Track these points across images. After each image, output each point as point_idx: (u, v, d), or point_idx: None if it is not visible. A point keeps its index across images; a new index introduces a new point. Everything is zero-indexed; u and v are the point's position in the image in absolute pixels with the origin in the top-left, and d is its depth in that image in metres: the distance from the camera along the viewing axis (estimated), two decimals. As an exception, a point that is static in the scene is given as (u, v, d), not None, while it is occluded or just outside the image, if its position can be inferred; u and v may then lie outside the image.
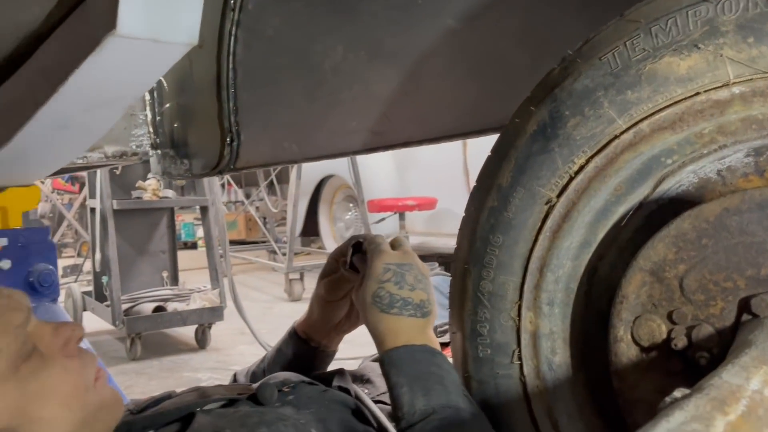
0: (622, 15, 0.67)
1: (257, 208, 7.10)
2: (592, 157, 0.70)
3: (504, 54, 1.00)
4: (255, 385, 0.81)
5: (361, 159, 4.60)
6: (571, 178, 0.71)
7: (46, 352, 0.60)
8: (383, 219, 4.28)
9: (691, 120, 0.65)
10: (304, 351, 0.96)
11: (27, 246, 1.18)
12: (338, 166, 4.92)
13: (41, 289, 1.18)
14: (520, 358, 0.77)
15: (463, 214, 0.83)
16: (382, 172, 4.68)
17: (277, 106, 1.29)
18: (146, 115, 1.33)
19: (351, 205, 5.44)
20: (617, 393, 0.71)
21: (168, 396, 0.81)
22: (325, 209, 5.64)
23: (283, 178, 6.56)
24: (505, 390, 0.78)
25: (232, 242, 6.68)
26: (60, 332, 0.62)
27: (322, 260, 4.28)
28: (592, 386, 0.77)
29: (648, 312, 0.69)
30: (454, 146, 3.91)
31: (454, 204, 4.12)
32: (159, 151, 1.36)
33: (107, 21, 0.81)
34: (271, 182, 5.75)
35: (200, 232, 8.29)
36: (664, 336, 0.67)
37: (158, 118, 1.35)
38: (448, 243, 4.34)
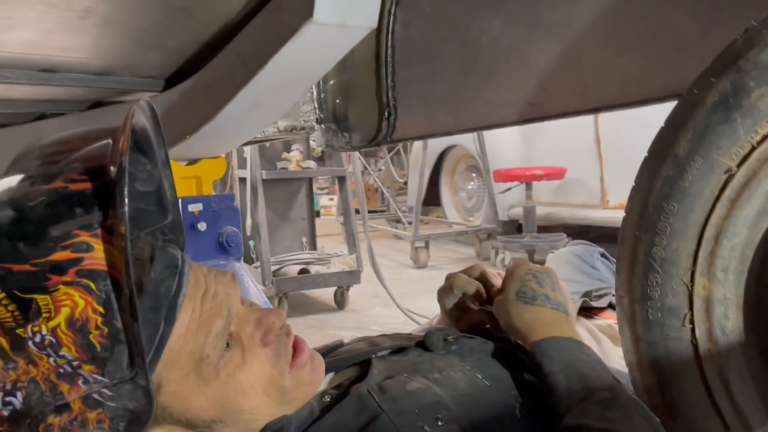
0: (816, -17, 0.67)
1: (376, 178, 7.29)
2: (777, 128, 0.71)
3: (672, 22, 1.00)
4: (421, 332, 0.87)
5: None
6: (753, 148, 0.73)
7: (246, 344, 0.65)
8: (509, 189, 4.27)
9: None
10: None
11: (217, 211, 1.34)
12: (461, 136, 4.95)
13: (229, 249, 1.34)
14: (692, 322, 0.80)
15: (633, 184, 0.86)
16: (507, 141, 4.65)
17: (433, 81, 1.36)
18: (312, 93, 1.45)
19: (474, 175, 5.46)
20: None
21: (340, 344, 0.86)
22: (447, 179, 5.70)
23: (407, 149, 6.67)
24: (675, 351, 0.81)
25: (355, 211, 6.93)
26: (262, 323, 0.66)
27: (444, 229, 4.33)
28: (764, 349, 0.79)
29: (829, 278, 0.70)
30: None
31: (584, 174, 4.03)
32: (323, 126, 1.48)
33: (305, 10, 0.91)
34: (397, 152, 5.86)
35: (323, 201, 8.65)
36: None
37: (322, 95, 1.47)
38: (576, 214, 4.27)
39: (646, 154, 0.84)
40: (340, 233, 5.36)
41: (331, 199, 7.41)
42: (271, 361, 0.67)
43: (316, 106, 1.46)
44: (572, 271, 1.52)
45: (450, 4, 1.28)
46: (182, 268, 0.60)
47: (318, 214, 8.69)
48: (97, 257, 0.52)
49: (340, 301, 3.11)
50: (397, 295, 2.97)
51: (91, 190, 0.53)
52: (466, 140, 4.88)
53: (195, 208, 1.29)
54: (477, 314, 0.92)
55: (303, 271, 2.94)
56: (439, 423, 0.64)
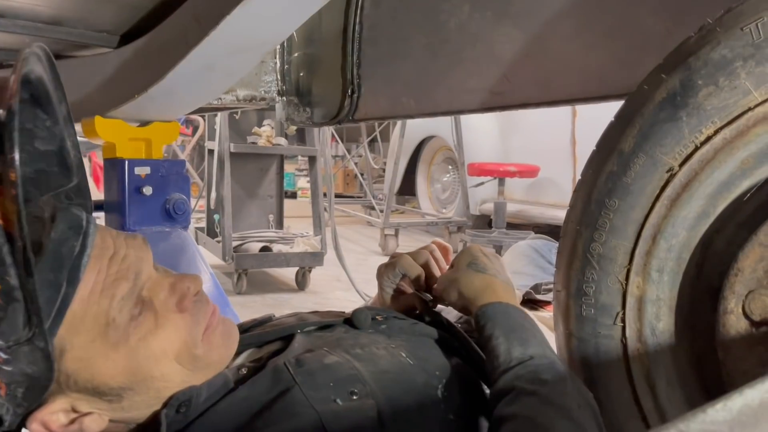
0: (771, -15, 0.66)
1: (356, 163, 7.25)
2: (721, 128, 0.70)
3: (638, 20, 0.99)
4: (350, 311, 0.86)
5: (464, 121, 4.58)
6: (697, 148, 0.72)
7: (159, 311, 0.62)
8: (482, 183, 4.27)
9: (834, 97, 0.63)
10: None
11: (166, 176, 1.31)
12: (440, 127, 4.93)
13: (176, 216, 1.31)
14: (623, 321, 0.79)
15: (579, 178, 0.85)
16: (485, 135, 4.65)
17: (399, 62, 1.33)
18: (275, 63, 1.42)
19: (450, 167, 5.45)
20: (721, 364, 0.72)
21: (269, 319, 0.85)
22: (423, 170, 5.69)
23: (384, 136, 6.64)
24: (605, 350, 0.80)
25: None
26: (177, 289, 0.64)
27: (417, 219, 4.33)
28: (693, 355, 0.78)
29: (763, 287, 0.69)
30: (562, 114, 3.82)
31: (558, 174, 4.05)
32: (284, 98, 1.45)
33: (260, -29, 0.88)
34: (374, 139, 5.84)
35: (300, 182, 8.59)
36: (778, 312, 0.67)
37: (286, 66, 1.44)
38: (546, 213, 4.29)
39: (594, 148, 0.83)
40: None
41: (309, 181, 7.36)
42: (187, 328, 0.64)
43: (278, 77, 1.42)
44: (527, 264, 1.52)
45: (420, -16, 1.25)
46: (87, 229, 0.57)
47: (295, 195, 8.66)
48: None
49: (301, 282, 3.08)
50: (361, 280, 2.95)
51: None
52: (445, 132, 4.87)
53: (142, 171, 1.25)
54: (411, 298, 0.91)
55: (265, 249, 2.91)
56: (354, 397, 0.63)
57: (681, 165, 0.73)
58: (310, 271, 3.07)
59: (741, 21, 0.67)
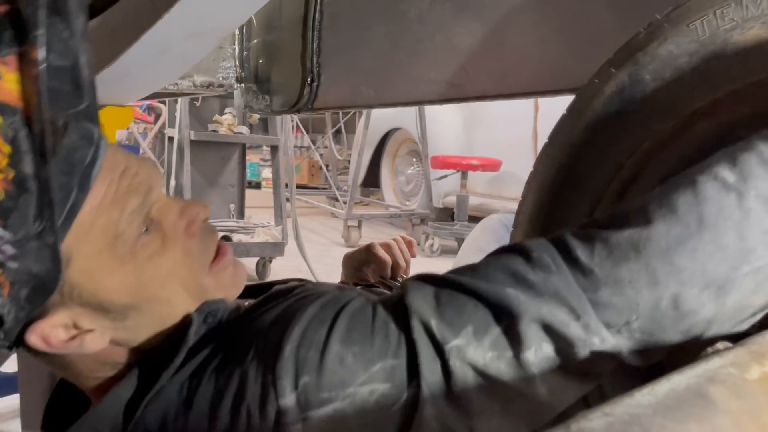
0: (716, -17, 0.68)
1: (321, 155, 7.22)
2: (668, 123, 0.71)
3: (593, 15, 1.00)
4: None
5: (428, 114, 4.60)
6: (642, 143, 0.73)
7: (168, 233, 0.60)
8: (445, 176, 4.30)
9: (774, 95, 0.65)
10: None
11: (120, 161, 1.27)
12: (405, 119, 4.94)
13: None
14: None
15: (531, 169, 0.86)
16: (449, 128, 4.67)
17: (359, 51, 1.33)
18: (234, 49, 1.40)
19: (414, 159, 5.47)
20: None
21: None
22: (388, 162, 5.70)
23: (349, 128, 6.62)
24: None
25: (296, 186, 6.86)
26: (186, 214, 0.62)
27: (381, 211, 4.34)
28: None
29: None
30: (524, 109, 3.86)
31: (520, 168, 4.10)
32: (243, 85, 1.43)
33: (214, -47, 0.86)
34: (338, 130, 5.82)
35: (265, 173, 8.50)
36: None
37: (245, 53, 1.42)
38: (508, 206, 4.34)
39: (546, 140, 0.84)
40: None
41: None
42: (195, 254, 0.62)
43: (237, 64, 1.41)
44: (492, 241, 1.52)
45: (380, -27, 1.25)
46: (99, 142, 0.53)
47: (259, 186, 8.56)
48: (5, 88, 0.46)
49: (262, 272, 3.06)
50: (323, 271, 2.95)
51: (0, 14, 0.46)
52: (409, 124, 4.88)
53: (93, 155, 1.22)
54: (375, 288, 0.92)
55: (225, 238, 2.87)
56: None
57: (628, 158, 0.74)
58: (270, 262, 3.05)
59: (687, 18, 0.68)
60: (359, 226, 4.41)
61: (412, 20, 1.22)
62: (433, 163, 4.21)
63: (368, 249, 0.98)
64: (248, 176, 8.15)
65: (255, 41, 1.41)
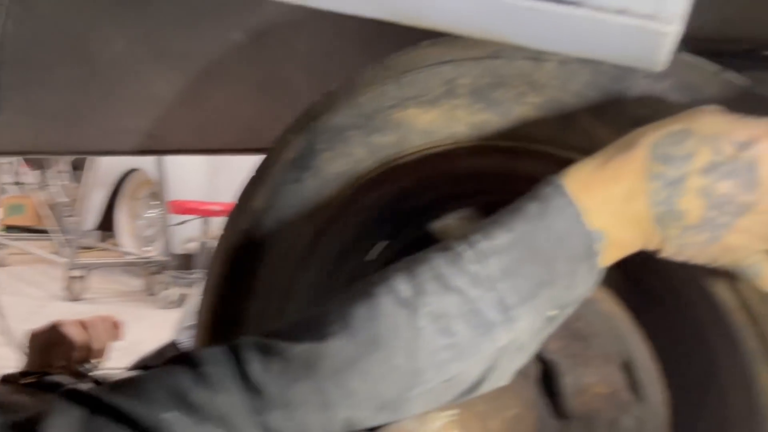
0: (382, 61, 0.70)
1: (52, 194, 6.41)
2: (341, 192, 0.71)
3: (288, 77, 1.00)
4: None
5: (170, 157, 4.37)
6: (320, 211, 0.72)
7: None
8: (184, 222, 4.09)
9: (430, 170, 0.69)
10: None
11: None
12: (144, 160, 4.63)
13: None
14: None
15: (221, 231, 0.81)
16: (191, 172, 4.48)
17: (44, 92, 1.17)
18: None
19: (154, 203, 5.14)
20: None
21: None
22: (125, 204, 5.27)
23: (81, 164, 6.01)
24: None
25: (18, 228, 5.98)
26: None
27: (111, 257, 3.94)
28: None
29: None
30: (267, 156, 3.85)
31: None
32: None
33: None
34: (77, 166, 5.23)
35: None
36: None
37: None
38: (253, 253, 4.27)
39: (235, 202, 0.80)
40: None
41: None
42: None
43: None
44: None
45: (68, 8, 1.12)
46: None
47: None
48: None
49: (-53, 339, 2.54)
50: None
51: None
52: (149, 166, 4.58)
53: None
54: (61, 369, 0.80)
55: None
56: None
57: (309, 226, 0.73)
58: (-40, 326, 2.55)
59: (357, 92, 0.70)
60: (85, 277, 3.96)
61: (104, 63, 1.11)
62: (173, 208, 3.98)
63: (54, 327, 0.88)
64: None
65: None
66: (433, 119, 0.65)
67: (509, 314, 0.46)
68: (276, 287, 0.75)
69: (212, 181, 4.48)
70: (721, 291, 0.54)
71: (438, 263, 0.47)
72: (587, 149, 0.50)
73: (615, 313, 0.61)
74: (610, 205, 0.46)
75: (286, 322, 0.52)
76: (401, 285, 0.47)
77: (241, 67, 1.02)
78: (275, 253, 0.74)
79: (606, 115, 0.56)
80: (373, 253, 0.81)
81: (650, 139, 0.46)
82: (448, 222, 0.80)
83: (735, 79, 0.54)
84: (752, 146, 0.43)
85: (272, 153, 0.75)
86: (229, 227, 0.78)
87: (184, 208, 3.88)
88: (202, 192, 4.42)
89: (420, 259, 0.48)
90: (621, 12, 0.42)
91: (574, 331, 0.61)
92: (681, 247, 0.46)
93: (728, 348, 0.56)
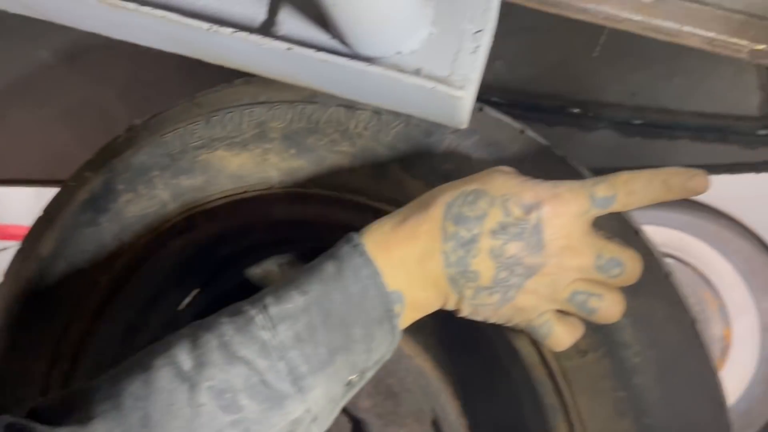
0: (192, 97, 0.65)
1: None
2: (143, 238, 0.65)
3: (104, 104, 0.91)
4: None
5: None
6: (119, 258, 0.65)
7: None
8: (4, 249, 3.68)
9: (241, 215, 0.65)
10: None
11: None
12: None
13: None
14: None
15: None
16: (15, 192, 4.06)
17: None
18: None
19: None
20: None
21: None
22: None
23: None
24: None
25: None
26: None
27: None
28: None
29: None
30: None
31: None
32: None
33: None
34: None
35: None
36: None
37: None
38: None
39: (17, 249, 0.70)
40: None
41: None
42: None
43: None
44: None
45: None
46: None
47: None
48: None
49: None
50: None
51: None
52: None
53: None
54: None
55: None
56: None
57: (104, 275, 0.65)
58: None
59: (162, 128, 0.64)
60: None
61: None
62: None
63: None
64: None
65: None
66: (243, 162, 0.61)
67: (301, 384, 0.42)
68: (65, 345, 0.66)
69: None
70: (524, 347, 0.55)
71: (226, 330, 0.42)
72: (401, 201, 0.48)
73: (426, 369, 0.60)
74: (406, 265, 0.44)
75: (52, 396, 0.45)
76: (182, 355, 0.42)
77: (50, 90, 0.91)
78: (64, 306, 0.65)
79: (415, 168, 0.55)
80: (186, 302, 0.74)
81: (445, 198, 0.45)
82: (267, 267, 0.76)
83: (536, 138, 0.55)
84: (538, 209, 0.43)
85: (64, 192, 0.66)
86: (10, 275, 0.68)
87: (4, 234, 3.48)
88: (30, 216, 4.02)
89: (207, 325, 0.43)
90: (416, 73, 0.41)
91: (386, 388, 0.59)
92: (476, 307, 0.46)
93: (532, 402, 0.57)
